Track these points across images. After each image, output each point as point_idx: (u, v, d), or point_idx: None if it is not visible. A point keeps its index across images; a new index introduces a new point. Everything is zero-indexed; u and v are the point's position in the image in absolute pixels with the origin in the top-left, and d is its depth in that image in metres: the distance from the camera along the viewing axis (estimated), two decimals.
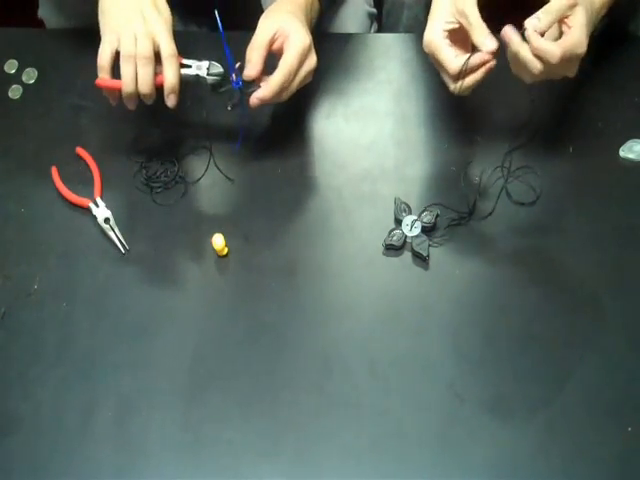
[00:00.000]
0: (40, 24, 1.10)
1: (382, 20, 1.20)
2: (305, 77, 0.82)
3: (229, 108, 0.82)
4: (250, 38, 0.81)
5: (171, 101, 0.80)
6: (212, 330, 0.78)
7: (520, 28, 0.74)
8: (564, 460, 0.70)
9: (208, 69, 0.80)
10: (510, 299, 0.79)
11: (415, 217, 0.82)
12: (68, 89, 0.95)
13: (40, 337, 0.78)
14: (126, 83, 0.77)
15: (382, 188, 0.87)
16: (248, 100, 0.81)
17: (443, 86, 0.81)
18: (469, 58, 0.76)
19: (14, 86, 0.96)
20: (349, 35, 1.03)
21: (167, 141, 0.90)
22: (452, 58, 0.77)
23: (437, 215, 0.82)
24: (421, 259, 0.81)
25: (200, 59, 0.81)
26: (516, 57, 0.74)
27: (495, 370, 0.75)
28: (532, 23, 0.73)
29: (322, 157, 0.90)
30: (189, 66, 0.80)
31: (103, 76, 0.78)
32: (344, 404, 0.73)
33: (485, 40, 0.75)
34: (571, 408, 0.72)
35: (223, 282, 0.82)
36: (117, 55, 0.78)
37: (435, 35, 0.78)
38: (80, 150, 0.90)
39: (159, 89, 0.79)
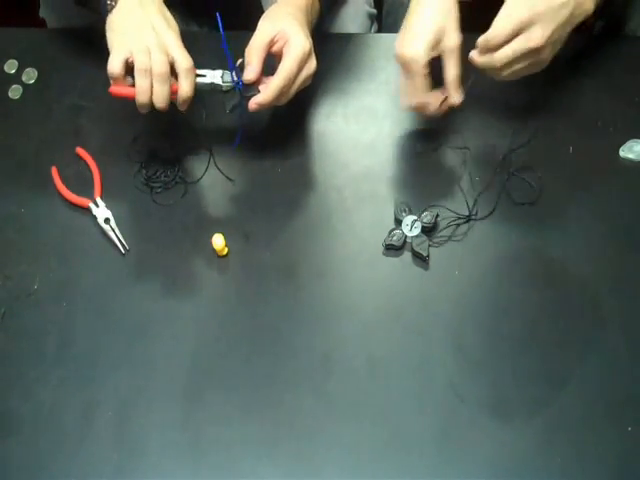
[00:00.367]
0: (41, 24, 1.10)
1: (382, 20, 1.20)
2: (304, 81, 0.82)
3: (228, 111, 0.82)
4: (250, 38, 0.80)
5: (183, 108, 0.80)
6: (212, 330, 0.78)
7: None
8: (564, 460, 0.70)
9: (222, 77, 0.80)
10: (510, 299, 0.79)
11: (415, 217, 0.82)
12: (68, 89, 0.95)
13: (40, 337, 0.78)
14: (141, 95, 0.77)
15: (382, 188, 0.87)
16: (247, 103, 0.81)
17: (443, 86, 0.81)
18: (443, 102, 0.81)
19: (14, 86, 0.96)
20: (349, 35, 1.03)
21: (167, 141, 0.90)
22: (426, 87, 0.80)
23: (437, 215, 0.82)
24: (421, 259, 0.81)
25: (214, 68, 0.81)
26: (485, 72, 0.80)
27: (495, 370, 0.75)
28: (479, 40, 0.77)
29: (322, 157, 0.90)
30: (204, 75, 0.80)
31: (117, 84, 0.78)
32: (344, 404, 0.73)
33: (455, 94, 0.81)
34: (571, 408, 0.72)
35: (223, 282, 0.82)
36: (126, 64, 0.77)
37: (420, 57, 0.78)
38: (80, 150, 0.90)
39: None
